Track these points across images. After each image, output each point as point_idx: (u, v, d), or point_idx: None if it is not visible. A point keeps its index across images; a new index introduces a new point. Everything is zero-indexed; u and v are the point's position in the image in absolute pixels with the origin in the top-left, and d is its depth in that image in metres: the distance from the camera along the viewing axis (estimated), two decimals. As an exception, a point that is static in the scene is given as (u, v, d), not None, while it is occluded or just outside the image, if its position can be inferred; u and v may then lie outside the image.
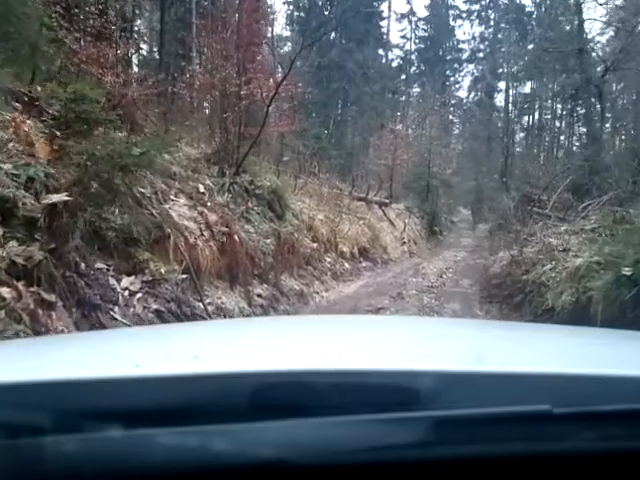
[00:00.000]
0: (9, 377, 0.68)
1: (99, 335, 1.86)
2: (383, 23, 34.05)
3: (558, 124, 36.26)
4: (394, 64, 38.02)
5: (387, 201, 17.59)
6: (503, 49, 37.60)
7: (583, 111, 30.78)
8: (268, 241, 6.85)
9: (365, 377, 0.69)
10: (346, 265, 10.74)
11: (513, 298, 6.48)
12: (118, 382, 0.67)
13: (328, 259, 10.07)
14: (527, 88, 37.03)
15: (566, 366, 0.77)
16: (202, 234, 5.31)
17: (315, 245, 9.37)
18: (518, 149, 34.42)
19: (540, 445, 0.62)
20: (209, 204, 6.13)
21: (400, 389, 0.66)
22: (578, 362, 0.88)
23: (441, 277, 10.94)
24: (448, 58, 40.29)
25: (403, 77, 38.43)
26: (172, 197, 5.41)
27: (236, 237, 5.73)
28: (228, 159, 8.29)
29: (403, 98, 38.03)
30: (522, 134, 36.81)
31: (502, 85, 37.79)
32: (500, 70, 37.80)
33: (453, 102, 35.91)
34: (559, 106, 35.70)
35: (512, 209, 10.51)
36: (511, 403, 0.63)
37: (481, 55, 39.41)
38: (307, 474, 0.61)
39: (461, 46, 40.13)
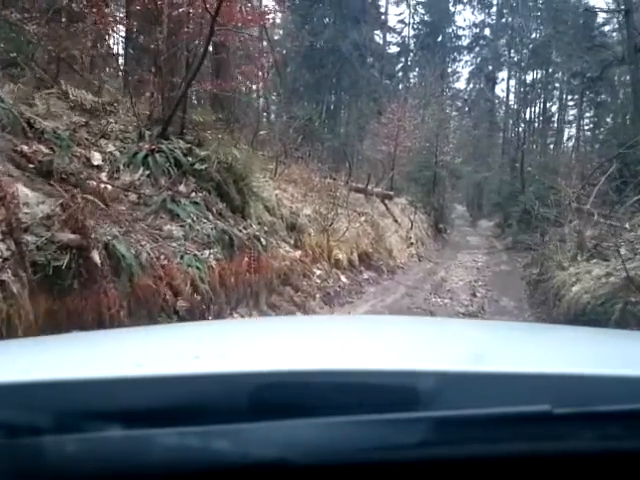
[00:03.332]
0: (10, 377, 0.67)
1: (100, 335, 1.74)
2: (381, 2, 31.45)
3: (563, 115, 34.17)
4: (392, 49, 35.32)
5: (391, 193, 14.55)
6: (506, 37, 35.25)
7: (594, 98, 28.84)
8: (208, 254, 3.77)
9: (366, 377, 0.68)
10: (343, 279, 7.69)
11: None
12: (120, 382, 0.66)
13: (318, 272, 7.01)
14: (529, 77, 34.58)
15: (566, 366, 0.76)
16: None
17: (298, 253, 6.29)
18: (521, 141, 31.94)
19: (540, 445, 0.61)
20: (103, 183, 3.03)
21: (401, 389, 0.64)
22: (578, 362, 0.86)
23: (474, 296, 7.89)
24: (448, 46, 37.62)
25: (401, 64, 35.74)
26: None
27: (95, 255, 2.59)
28: (159, 118, 5.22)
29: (401, 86, 35.33)
30: (520, 128, 34.36)
31: (504, 75, 35.52)
32: (502, 59, 35.47)
33: (450, 94, 33.58)
34: (564, 96, 33.62)
35: (573, 205, 7.52)
36: (511, 403, 0.62)
37: (483, 42, 36.97)
38: (308, 474, 0.60)
39: (461, 33, 37.69)
